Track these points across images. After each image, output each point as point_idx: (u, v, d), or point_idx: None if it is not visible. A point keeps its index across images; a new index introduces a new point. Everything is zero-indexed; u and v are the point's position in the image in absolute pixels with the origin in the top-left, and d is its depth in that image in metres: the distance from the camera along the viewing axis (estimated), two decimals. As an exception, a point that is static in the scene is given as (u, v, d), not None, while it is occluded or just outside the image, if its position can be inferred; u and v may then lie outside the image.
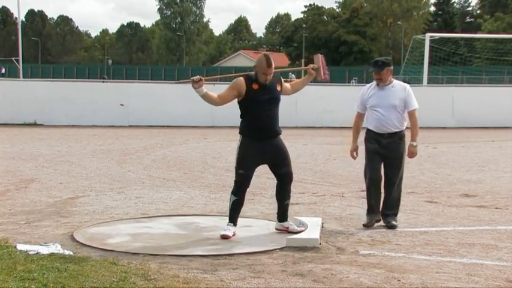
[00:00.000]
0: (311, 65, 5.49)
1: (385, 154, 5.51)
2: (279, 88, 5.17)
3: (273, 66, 5.03)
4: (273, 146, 5.13)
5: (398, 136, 5.51)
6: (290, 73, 47.52)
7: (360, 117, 5.72)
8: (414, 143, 5.49)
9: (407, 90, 5.54)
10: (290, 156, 5.29)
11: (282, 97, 5.26)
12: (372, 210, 5.57)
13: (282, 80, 5.28)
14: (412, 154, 5.53)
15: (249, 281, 3.94)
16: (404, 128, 5.55)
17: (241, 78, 5.11)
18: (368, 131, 5.63)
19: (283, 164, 5.20)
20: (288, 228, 5.25)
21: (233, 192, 5.15)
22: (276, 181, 5.30)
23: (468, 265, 4.38)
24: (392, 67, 5.56)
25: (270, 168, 5.27)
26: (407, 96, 5.51)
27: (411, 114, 5.52)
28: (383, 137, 5.51)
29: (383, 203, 5.60)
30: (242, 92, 5.06)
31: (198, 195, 7.26)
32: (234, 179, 5.18)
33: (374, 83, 5.61)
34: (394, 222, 5.48)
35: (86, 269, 4.06)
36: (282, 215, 5.30)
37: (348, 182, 8.23)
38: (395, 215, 5.59)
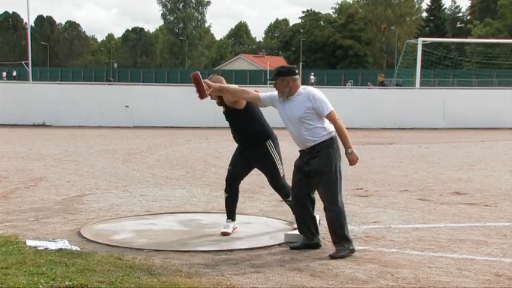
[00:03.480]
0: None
1: (310, 171, 4.67)
2: (223, 109, 5.27)
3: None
4: (252, 154, 5.22)
5: (317, 149, 4.61)
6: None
7: (256, 96, 4.86)
8: (349, 150, 4.57)
9: (313, 96, 4.59)
10: (276, 165, 5.16)
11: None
12: (301, 230, 4.80)
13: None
14: (351, 162, 4.61)
15: (249, 275, 4.01)
16: (325, 138, 4.62)
17: None
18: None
19: (264, 172, 5.31)
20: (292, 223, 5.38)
21: (224, 190, 5.33)
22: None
23: (459, 260, 4.45)
24: (293, 77, 4.63)
25: None
26: (315, 103, 4.57)
27: (329, 119, 4.60)
28: (304, 153, 4.71)
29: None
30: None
31: (199, 193, 7.32)
32: None
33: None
34: (333, 254, 4.50)
35: (92, 263, 4.14)
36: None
37: (343, 181, 8.23)
38: (338, 242, 4.57)
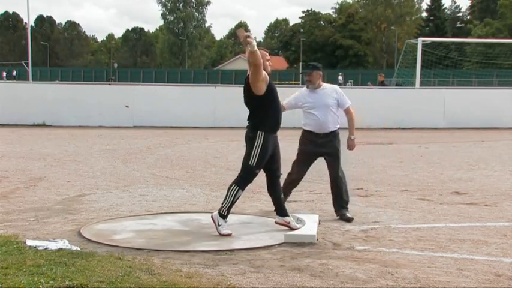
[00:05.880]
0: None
1: (326, 152, 5.85)
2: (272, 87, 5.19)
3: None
4: (276, 140, 5.25)
5: (333, 135, 5.85)
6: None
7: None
8: (352, 136, 5.91)
9: (338, 90, 5.93)
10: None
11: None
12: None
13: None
14: (351, 147, 5.94)
15: (248, 275, 4.02)
16: (338, 126, 5.89)
17: None
18: (304, 132, 5.93)
19: (279, 158, 5.29)
20: (289, 223, 5.29)
21: (241, 187, 5.11)
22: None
23: (459, 260, 4.46)
24: (321, 72, 5.93)
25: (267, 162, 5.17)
26: (340, 96, 5.87)
27: (347, 110, 5.91)
28: (318, 137, 5.83)
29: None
30: (267, 80, 5.06)
31: (199, 193, 7.33)
32: (243, 174, 5.12)
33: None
34: (348, 215, 5.73)
35: (92, 263, 4.14)
36: (281, 209, 5.34)
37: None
38: (345, 206, 5.84)
